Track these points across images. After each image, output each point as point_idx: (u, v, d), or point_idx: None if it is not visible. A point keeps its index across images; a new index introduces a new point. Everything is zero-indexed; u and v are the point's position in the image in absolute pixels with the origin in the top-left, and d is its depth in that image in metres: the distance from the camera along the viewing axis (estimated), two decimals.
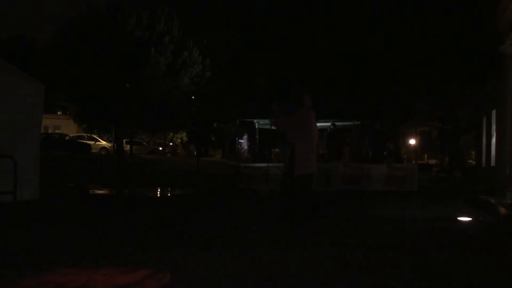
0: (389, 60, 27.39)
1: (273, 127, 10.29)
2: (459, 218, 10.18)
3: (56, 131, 53.09)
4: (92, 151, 39.87)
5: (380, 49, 27.21)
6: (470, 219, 10.15)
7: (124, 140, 32.44)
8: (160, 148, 55.71)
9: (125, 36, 22.71)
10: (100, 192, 18.65)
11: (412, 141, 56.46)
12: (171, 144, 61.59)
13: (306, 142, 9.32)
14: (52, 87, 19.66)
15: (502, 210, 10.85)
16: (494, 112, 19.54)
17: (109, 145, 45.01)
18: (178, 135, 57.90)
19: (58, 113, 59.10)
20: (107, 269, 2.44)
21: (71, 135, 44.04)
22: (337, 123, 22.98)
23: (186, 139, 54.52)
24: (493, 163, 18.64)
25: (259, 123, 23.51)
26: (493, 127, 19.49)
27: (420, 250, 6.53)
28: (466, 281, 4.81)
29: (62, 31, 24.35)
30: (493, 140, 19.06)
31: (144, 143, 52.97)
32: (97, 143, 44.53)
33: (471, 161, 38.65)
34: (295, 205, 9.28)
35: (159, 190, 20.85)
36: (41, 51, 27.93)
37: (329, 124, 23.00)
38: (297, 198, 9.28)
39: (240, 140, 36.36)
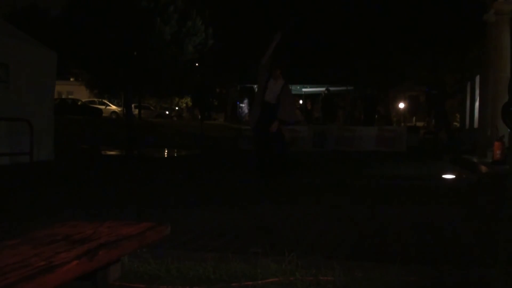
0: (378, 28, 27.12)
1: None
2: (444, 176, 10.23)
3: (69, 96, 52.99)
4: (103, 115, 39.80)
5: (368, 19, 26.90)
6: (453, 176, 10.20)
7: (133, 105, 32.40)
8: (167, 112, 55.61)
9: (132, 6, 22.54)
10: (111, 152, 18.69)
11: (401, 105, 56.42)
12: (176, 108, 61.49)
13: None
14: (65, 55, 19.59)
15: (483, 168, 10.90)
16: (477, 78, 19.47)
17: (119, 109, 44.91)
18: (183, 100, 57.75)
19: (71, 79, 58.81)
20: (111, 222, 2.46)
21: (83, 100, 43.95)
22: (331, 88, 22.95)
23: (191, 103, 54.40)
24: (476, 125, 18.63)
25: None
26: (477, 92, 19.41)
27: (406, 203, 6.55)
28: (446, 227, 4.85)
29: (73, 1, 24.15)
30: (476, 104, 19.00)
31: (152, 108, 52.83)
32: (108, 107, 44.42)
33: (456, 124, 38.69)
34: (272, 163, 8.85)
35: (165, 151, 20.88)
36: (54, 21, 27.65)
37: (323, 89, 22.95)
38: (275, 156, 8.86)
39: (241, 105, 36.49)
